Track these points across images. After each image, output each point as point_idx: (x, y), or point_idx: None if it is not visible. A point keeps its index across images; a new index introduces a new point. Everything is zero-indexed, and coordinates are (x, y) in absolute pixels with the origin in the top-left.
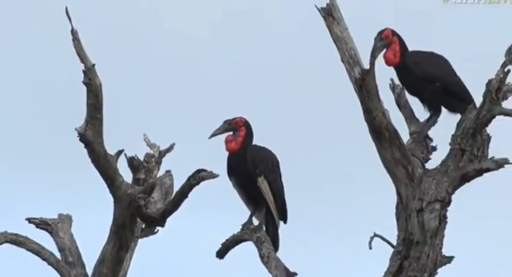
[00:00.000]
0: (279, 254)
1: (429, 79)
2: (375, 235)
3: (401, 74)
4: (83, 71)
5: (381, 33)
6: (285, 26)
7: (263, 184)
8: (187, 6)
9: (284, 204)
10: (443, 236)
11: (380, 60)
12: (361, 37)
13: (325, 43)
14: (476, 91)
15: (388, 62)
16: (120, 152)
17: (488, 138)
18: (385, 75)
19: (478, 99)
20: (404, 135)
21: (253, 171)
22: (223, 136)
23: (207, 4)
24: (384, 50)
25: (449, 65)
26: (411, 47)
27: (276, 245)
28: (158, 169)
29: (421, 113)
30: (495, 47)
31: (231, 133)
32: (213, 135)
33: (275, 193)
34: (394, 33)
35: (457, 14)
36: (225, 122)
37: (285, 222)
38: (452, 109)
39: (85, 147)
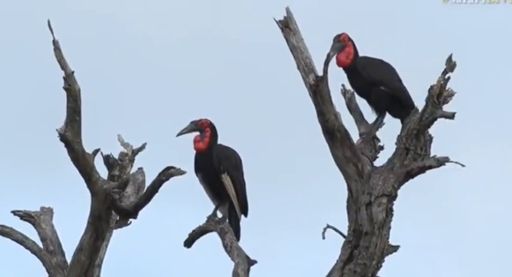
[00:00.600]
0: (241, 244)
1: (374, 83)
2: (328, 226)
3: (351, 77)
4: (63, 78)
5: (338, 36)
6: (247, 36)
7: (226, 180)
8: (157, 13)
9: (245, 199)
10: (389, 227)
11: (332, 66)
12: (316, 46)
13: (283, 52)
14: (478, 91)
15: (340, 63)
16: (96, 151)
17: (431, 138)
18: (337, 81)
19: (474, 98)
20: (355, 136)
21: (218, 167)
22: (191, 136)
23: (176, 12)
24: (338, 52)
25: (395, 72)
26: (411, 46)
27: (237, 236)
28: (131, 166)
29: (370, 115)
30: (494, 46)
31: (198, 133)
32: (181, 133)
33: (237, 188)
34: (349, 38)
35: (457, 14)
36: (191, 122)
37: (245, 215)
38: (394, 114)
39: (65, 146)
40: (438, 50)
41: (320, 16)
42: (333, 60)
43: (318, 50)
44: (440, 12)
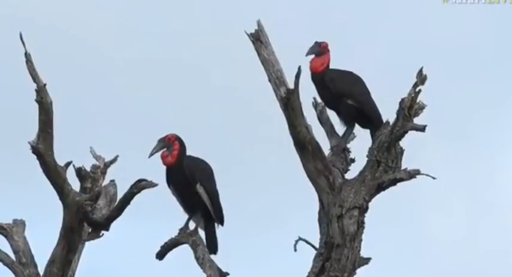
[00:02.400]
0: (212, 256)
1: (342, 95)
2: (300, 238)
3: (319, 88)
4: (35, 90)
5: (320, 42)
6: (217, 48)
7: (200, 190)
8: (129, 26)
9: (220, 208)
10: (361, 240)
11: (303, 79)
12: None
13: (255, 64)
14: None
15: (313, 68)
16: (69, 163)
17: (402, 151)
18: (308, 94)
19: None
20: (326, 148)
21: (191, 178)
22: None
23: (146, 22)
24: (315, 56)
25: (364, 85)
26: (411, 45)
27: (215, 247)
28: (103, 179)
29: (341, 128)
30: (494, 45)
31: (166, 149)
32: (152, 154)
33: (211, 198)
34: (329, 49)
35: (457, 14)
36: (159, 140)
37: (222, 224)
38: (362, 126)
39: (37, 158)
40: (437, 49)
41: (297, 27)
42: (306, 70)
43: (291, 61)
44: (440, 12)
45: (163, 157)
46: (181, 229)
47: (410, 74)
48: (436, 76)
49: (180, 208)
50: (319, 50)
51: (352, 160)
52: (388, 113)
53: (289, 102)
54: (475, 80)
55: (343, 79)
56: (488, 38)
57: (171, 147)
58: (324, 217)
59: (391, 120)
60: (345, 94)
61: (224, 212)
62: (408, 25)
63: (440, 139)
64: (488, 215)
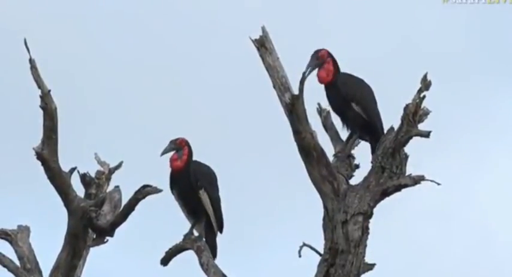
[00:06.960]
0: (217, 262)
1: (351, 100)
2: (304, 244)
3: (330, 92)
4: (40, 96)
5: (317, 52)
6: (222, 55)
7: (203, 196)
8: (132, 30)
9: (221, 215)
10: (365, 245)
11: (308, 85)
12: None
13: (259, 70)
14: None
15: (320, 80)
16: (73, 169)
17: (406, 157)
18: (313, 100)
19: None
20: (330, 154)
21: (195, 184)
22: (167, 155)
23: (150, 30)
24: (318, 69)
25: (373, 95)
26: (410, 45)
27: (214, 253)
28: (108, 185)
29: (345, 134)
30: (493, 45)
31: (175, 152)
32: (163, 153)
33: (213, 205)
34: (329, 54)
35: (457, 14)
36: (170, 142)
37: (221, 232)
38: (363, 136)
39: (42, 164)
40: (437, 49)
41: (302, 33)
42: (314, 78)
43: (295, 67)
44: (440, 12)
45: (172, 160)
46: (185, 235)
47: (410, 75)
48: (436, 77)
49: (183, 214)
50: (318, 61)
51: (357, 166)
52: (388, 116)
53: (294, 108)
54: (475, 81)
55: (355, 84)
56: (488, 38)
57: (181, 151)
58: (329, 223)
59: (394, 126)
60: (354, 99)
61: (227, 217)
62: (408, 25)
63: (445, 145)
64: (492, 220)
